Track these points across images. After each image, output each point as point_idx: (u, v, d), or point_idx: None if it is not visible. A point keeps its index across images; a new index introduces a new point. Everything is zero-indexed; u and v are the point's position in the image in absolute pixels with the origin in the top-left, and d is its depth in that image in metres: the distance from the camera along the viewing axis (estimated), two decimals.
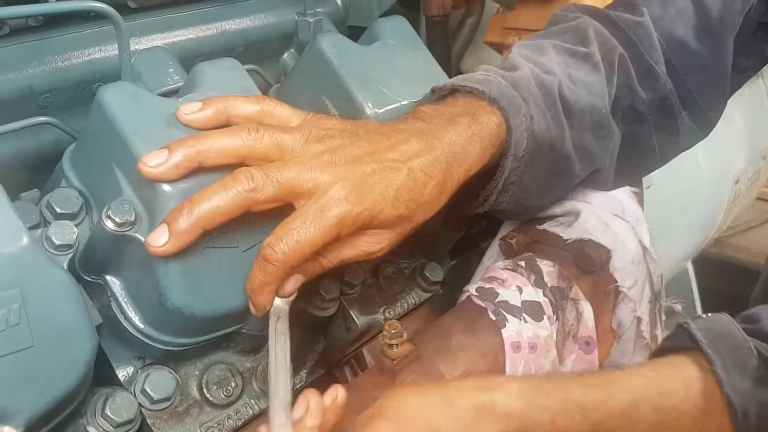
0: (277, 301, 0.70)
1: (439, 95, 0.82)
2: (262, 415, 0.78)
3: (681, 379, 0.67)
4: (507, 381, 0.67)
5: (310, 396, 0.65)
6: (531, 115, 0.80)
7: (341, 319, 0.88)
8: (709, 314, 0.72)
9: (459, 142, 0.75)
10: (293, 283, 0.70)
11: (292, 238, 0.65)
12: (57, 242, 0.66)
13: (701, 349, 0.67)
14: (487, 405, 0.64)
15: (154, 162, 0.65)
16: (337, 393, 0.66)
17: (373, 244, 0.71)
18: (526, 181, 0.83)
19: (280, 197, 0.67)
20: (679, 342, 0.70)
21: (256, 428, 0.67)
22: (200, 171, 0.67)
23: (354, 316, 0.88)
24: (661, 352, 0.72)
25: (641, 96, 0.92)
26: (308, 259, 0.68)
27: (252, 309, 0.69)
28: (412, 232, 0.74)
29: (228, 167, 0.68)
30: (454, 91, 0.81)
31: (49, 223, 0.69)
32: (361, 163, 0.69)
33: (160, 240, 0.64)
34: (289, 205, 0.68)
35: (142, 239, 0.66)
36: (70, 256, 0.67)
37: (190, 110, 0.70)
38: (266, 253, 0.66)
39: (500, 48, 1.35)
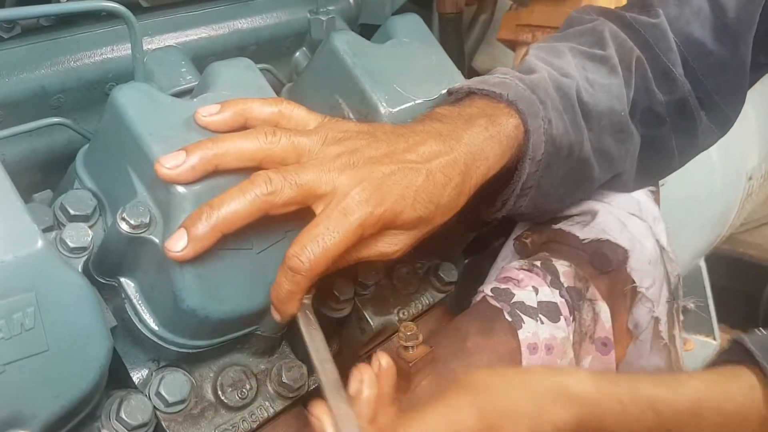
0: None
1: (455, 98, 0.81)
2: (278, 417, 0.77)
3: (742, 386, 0.69)
4: (578, 369, 0.70)
5: (363, 369, 0.65)
6: (549, 118, 0.79)
7: (355, 320, 0.88)
8: (763, 330, 0.74)
9: (477, 143, 0.74)
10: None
11: (317, 246, 0.64)
12: (72, 245, 0.66)
13: (758, 364, 0.69)
14: (561, 388, 0.66)
15: (171, 164, 0.64)
16: (380, 360, 0.67)
17: (390, 245, 0.71)
18: (545, 185, 0.82)
19: (298, 200, 0.66)
20: (735, 356, 0.71)
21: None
22: (216, 173, 0.66)
23: (368, 317, 0.87)
24: (717, 364, 0.74)
25: (659, 98, 0.91)
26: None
27: (278, 317, 0.69)
28: (428, 235, 0.73)
29: (244, 170, 0.67)
30: (470, 93, 0.80)
31: (63, 225, 0.69)
32: (379, 164, 0.68)
33: (178, 245, 0.63)
34: (307, 207, 0.67)
35: (157, 241, 0.65)
36: (84, 258, 0.67)
37: (208, 113, 0.69)
38: (293, 264, 0.65)
39: (513, 45, 1.34)
